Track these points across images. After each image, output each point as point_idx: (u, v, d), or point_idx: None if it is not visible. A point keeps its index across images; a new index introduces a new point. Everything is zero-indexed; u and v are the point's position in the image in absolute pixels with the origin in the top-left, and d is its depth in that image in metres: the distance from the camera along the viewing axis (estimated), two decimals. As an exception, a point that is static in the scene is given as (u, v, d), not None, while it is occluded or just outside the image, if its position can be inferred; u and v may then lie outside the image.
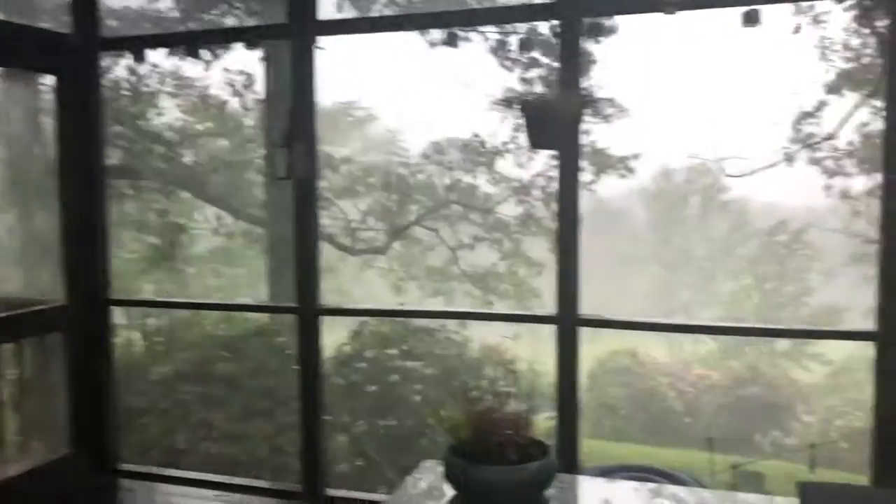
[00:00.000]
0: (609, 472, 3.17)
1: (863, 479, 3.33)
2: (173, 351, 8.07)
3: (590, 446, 11.68)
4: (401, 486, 2.31)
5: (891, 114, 2.97)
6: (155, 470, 4.82)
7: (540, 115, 2.88)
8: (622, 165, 10.18)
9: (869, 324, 3.11)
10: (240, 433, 7.10)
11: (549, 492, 2.20)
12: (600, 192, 10.96)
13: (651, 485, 2.46)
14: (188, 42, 4.15)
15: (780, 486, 9.21)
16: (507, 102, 2.95)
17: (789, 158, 10.80)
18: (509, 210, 10.79)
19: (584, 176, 9.93)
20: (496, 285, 11.12)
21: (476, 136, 10.38)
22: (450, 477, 2.15)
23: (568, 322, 3.39)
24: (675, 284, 24.03)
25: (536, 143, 3.01)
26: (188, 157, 11.33)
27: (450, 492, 2.19)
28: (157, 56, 9.50)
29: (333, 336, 8.67)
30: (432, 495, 2.23)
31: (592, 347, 14.77)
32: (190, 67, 10.23)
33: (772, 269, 19.06)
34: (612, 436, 13.17)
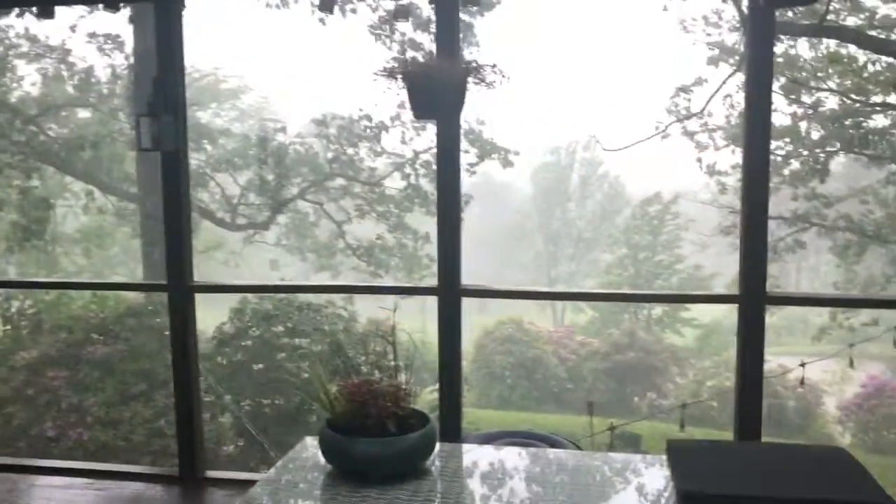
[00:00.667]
0: (491, 438, 3.21)
1: (729, 435, 3.53)
2: (39, 334, 7.62)
3: (477, 415, 11.91)
4: (278, 463, 2.25)
5: (750, 89, 3.10)
6: (21, 461, 4.55)
7: (422, 83, 2.83)
8: (502, 154, 10.34)
9: (734, 289, 3.28)
10: (115, 418, 6.80)
11: (431, 462, 2.19)
12: (487, 168, 11.10)
13: (531, 449, 2.50)
14: (40, 1, 3.84)
15: (656, 445, 9.71)
16: (389, 72, 2.89)
17: (663, 133, 11.23)
18: (396, 183, 10.75)
19: (468, 157, 10.04)
20: (384, 259, 11.08)
21: (361, 109, 10.25)
22: (326, 452, 2.11)
23: (449, 293, 3.40)
24: (558, 256, 24.74)
25: (420, 112, 2.97)
26: (52, 130, 10.63)
27: (328, 468, 2.15)
28: (9, 18, 8.81)
29: (214, 315, 8.41)
30: (310, 472, 2.18)
31: (481, 319, 15.01)
32: (51, 31, 9.57)
33: (646, 240, 19.88)
34: (498, 404, 13.48)
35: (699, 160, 11.16)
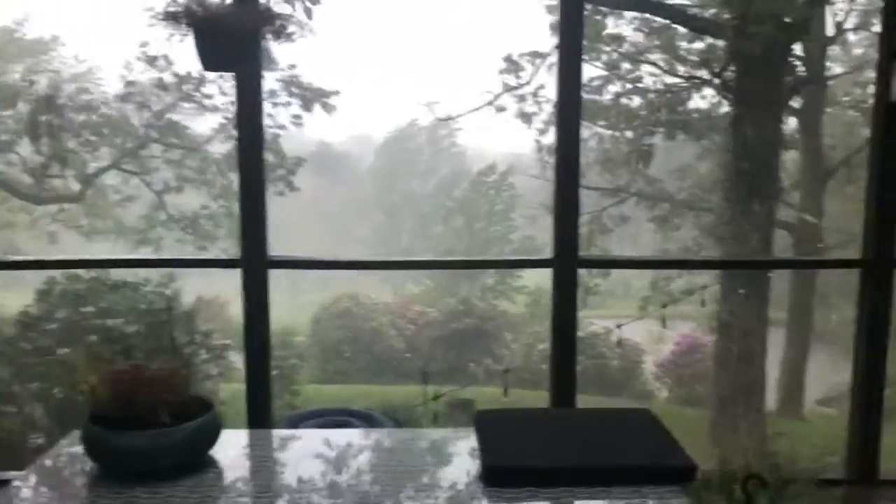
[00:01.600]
0: (301, 420, 3.04)
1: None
2: None
3: (315, 391, 11.67)
4: (36, 462, 1.95)
5: (563, 67, 3.07)
6: None
7: (211, 30, 2.54)
8: (323, 100, 10.01)
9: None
10: None
11: (216, 452, 1.97)
12: (323, 136, 10.74)
13: (340, 430, 2.33)
14: None
15: (491, 407, 9.89)
16: (172, 16, 2.57)
17: (497, 105, 11.34)
18: (220, 147, 10.14)
19: (292, 109, 9.64)
20: (211, 230, 10.49)
21: (171, 64, 9.48)
22: (89, 449, 1.84)
23: (254, 265, 3.15)
24: (397, 230, 24.71)
25: (208, 63, 2.68)
26: None
27: (94, 466, 1.88)
28: None
29: (17, 297, 7.70)
30: (72, 471, 1.90)
31: (319, 295, 14.71)
32: None
33: (481, 211, 20.24)
34: (336, 378, 13.29)
35: (528, 133, 11.35)
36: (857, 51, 11.86)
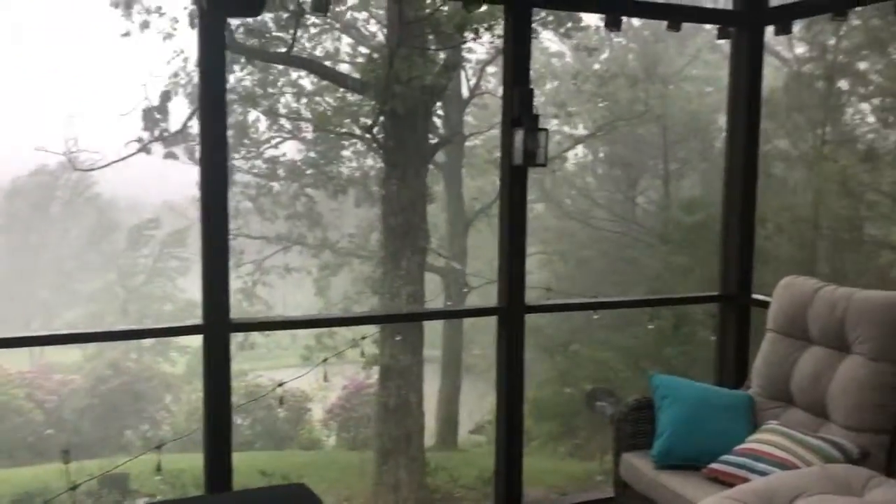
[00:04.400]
0: None
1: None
2: None
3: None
4: None
5: (203, 101, 2.93)
6: None
7: None
8: None
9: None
10: None
11: None
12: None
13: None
14: None
15: (147, 480, 9.08)
16: None
17: (145, 150, 10.65)
18: None
19: None
20: None
21: None
22: None
23: None
24: (34, 286, 21.89)
25: None
26: None
27: None
28: None
29: None
30: None
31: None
32: None
33: (138, 264, 18.89)
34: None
35: (184, 179, 10.83)
36: (491, 112, 13.36)
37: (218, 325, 3.01)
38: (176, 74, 9.71)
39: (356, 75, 9.20)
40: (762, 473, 2.63)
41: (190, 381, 14.22)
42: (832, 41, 8.87)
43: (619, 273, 13.57)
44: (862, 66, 9.17)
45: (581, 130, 14.66)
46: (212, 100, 2.94)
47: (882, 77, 8.83)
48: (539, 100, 13.91)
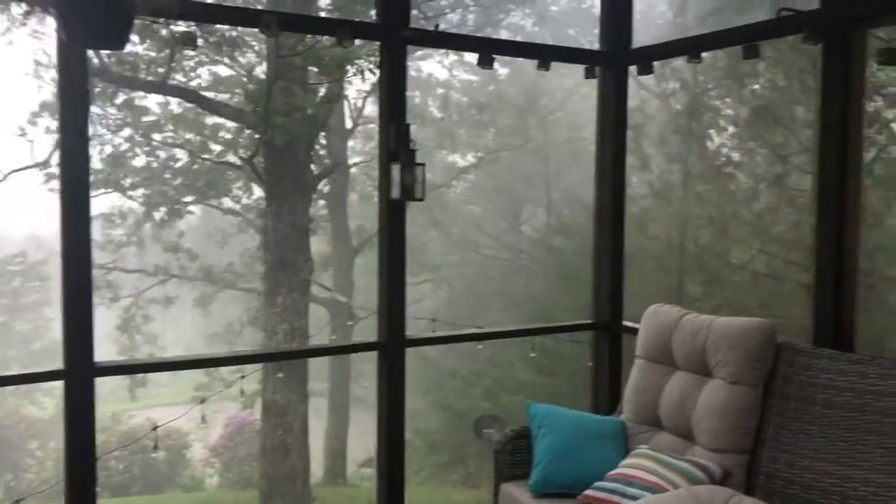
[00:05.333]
0: None
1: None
2: None
3: None
4: None
5: (64, 133, 2.80)
6: None
7: None
8: None
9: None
10: None
11: None
12: None
13: None
14: None
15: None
16: None
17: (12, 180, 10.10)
18: None
19: None
20: None
21: None
22: None
23: None
24: None
25: None
26: None
27: None
28: None
29: None
30: None
31: None
32: None
33: (2, 303, 17.73)
34: None
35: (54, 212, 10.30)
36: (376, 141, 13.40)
37: (80, 370, 2.85)
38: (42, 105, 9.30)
39: (237, 106, 9.04)
40: (633, 498, 2.72)
41: (58, 425, 13.39)
42: (696, 77, 9.44)
43: (506, 300, 13.82)
44: (719, 101, 9.81)
45: (468, 160, 14.95)
46: (72, 130, 2.81)
47: (734, 111, 9.47)
48: (426, 130, 14.13)
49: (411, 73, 13.20)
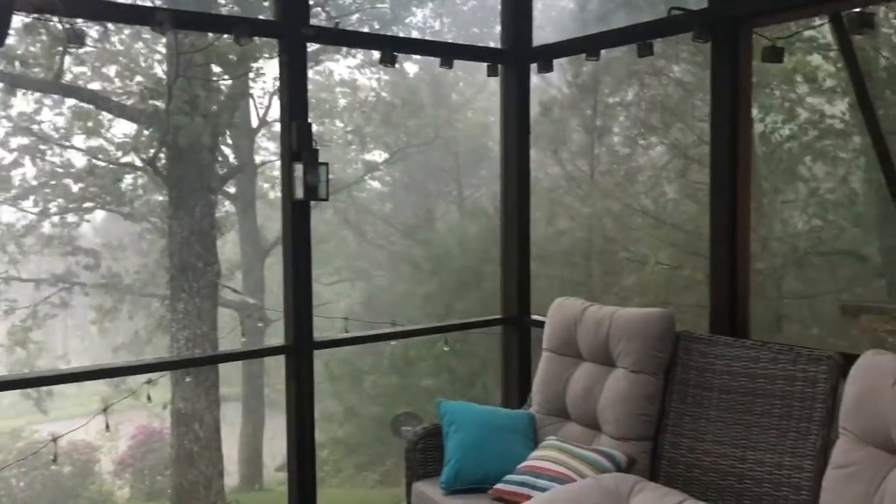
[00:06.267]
0: None
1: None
2: None
3: None
4: None
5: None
6: None
7: None
8: None
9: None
10: None
11: None
12: None
13: None
14: None
15: None
16: None
17: None
18: None
19: None
20: None
21: None
22: None
23: None
24: None
25: None
26: None
27: None
28: None
29: None
30: None
31: None
32: None
33: None
34: None
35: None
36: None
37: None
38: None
39: (134, 105, 8.70)
40: (542, 489, 2.76)
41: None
42: (596, 74, 9.68)
43: (421, 297, 13.81)
44: (618, 97, 10.08)
45: (378, 157, 14.85)
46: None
47: (634, 107, 9.76)
48: (336, 126, 13.96)
49: (317, 77, 13.05)
